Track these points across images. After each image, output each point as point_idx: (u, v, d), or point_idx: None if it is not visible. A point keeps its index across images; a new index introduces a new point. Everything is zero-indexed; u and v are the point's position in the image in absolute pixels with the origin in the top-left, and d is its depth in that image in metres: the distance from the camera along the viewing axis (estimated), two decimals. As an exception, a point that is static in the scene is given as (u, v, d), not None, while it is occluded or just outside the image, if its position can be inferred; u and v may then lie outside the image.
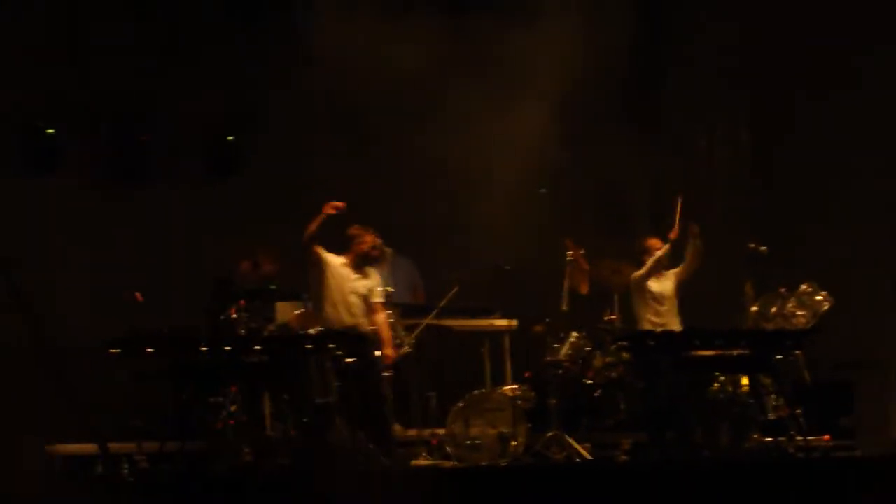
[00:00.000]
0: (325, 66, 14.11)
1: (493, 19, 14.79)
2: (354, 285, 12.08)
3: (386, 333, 12.09)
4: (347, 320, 11.96)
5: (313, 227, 11.77)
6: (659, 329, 12.65)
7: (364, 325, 12.01)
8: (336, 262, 12.09)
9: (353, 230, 12.23)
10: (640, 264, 13.04)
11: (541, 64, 14.96)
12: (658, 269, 12.94)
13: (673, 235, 12.92)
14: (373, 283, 12.20)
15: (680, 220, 12.91)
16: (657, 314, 12.87)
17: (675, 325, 12.86)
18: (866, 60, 14.41)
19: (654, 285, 12.92)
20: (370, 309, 12.11)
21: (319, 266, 11.99)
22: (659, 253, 12.91)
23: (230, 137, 15.64)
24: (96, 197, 15.00)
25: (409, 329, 12.74)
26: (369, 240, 12.21)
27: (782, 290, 12.56)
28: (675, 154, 16.40)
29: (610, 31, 15.96)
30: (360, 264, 12.17)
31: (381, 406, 11.77)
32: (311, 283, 12.18)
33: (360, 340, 11.69)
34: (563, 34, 15.07)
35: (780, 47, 15.26)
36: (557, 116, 15.05)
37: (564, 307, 12.97)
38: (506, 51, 14.94)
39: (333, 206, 11.70)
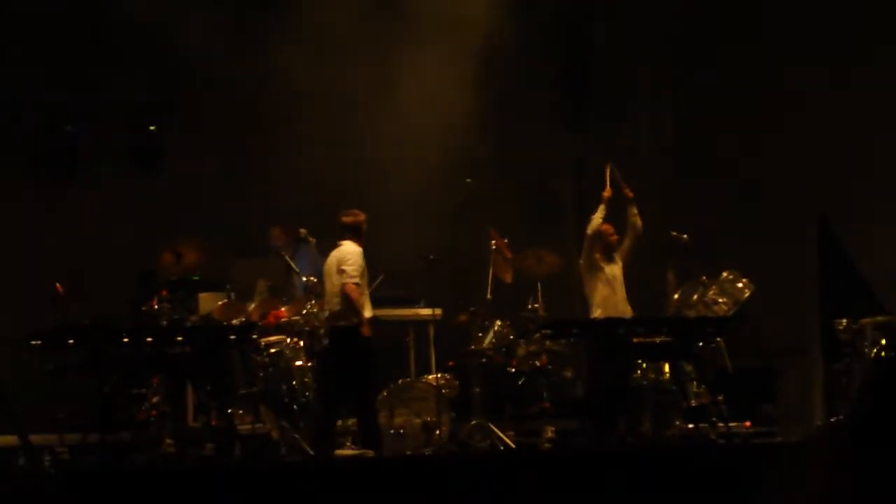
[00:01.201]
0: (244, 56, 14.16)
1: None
2: None
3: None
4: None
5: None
6: (611, 314, 12.66)
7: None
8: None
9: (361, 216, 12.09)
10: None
11: (465, 56, 15.01)
12: (597, 243, 12.86)
13: (606, 194, 12.91)
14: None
15: (612, 184, 12.97)
16: (610, 298, 12.87)
17: (627, 309, 12.89)
18: (786, 52, 14.53)
19: (607, 268, 12.91)
20: None
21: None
22: (595, 215, 12.87)
23: (152, 128, 15.54)
24: (18, 189, 14.88)
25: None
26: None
27: (704, 277, 12.65)
28: (598, 143, 16.46)
29: (533, 21, 16.05)
30: None
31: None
32: None
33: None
34: (487, 25, 15.13)
35: (704, 38, 15.37)
36: (482, 106, 15.11)
37: (488, 296, 13.01)
38: (429, 48, 14.98)
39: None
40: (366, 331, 11.60)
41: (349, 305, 11.56)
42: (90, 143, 15.40)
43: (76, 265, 13.92)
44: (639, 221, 12.98)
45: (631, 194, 13.01)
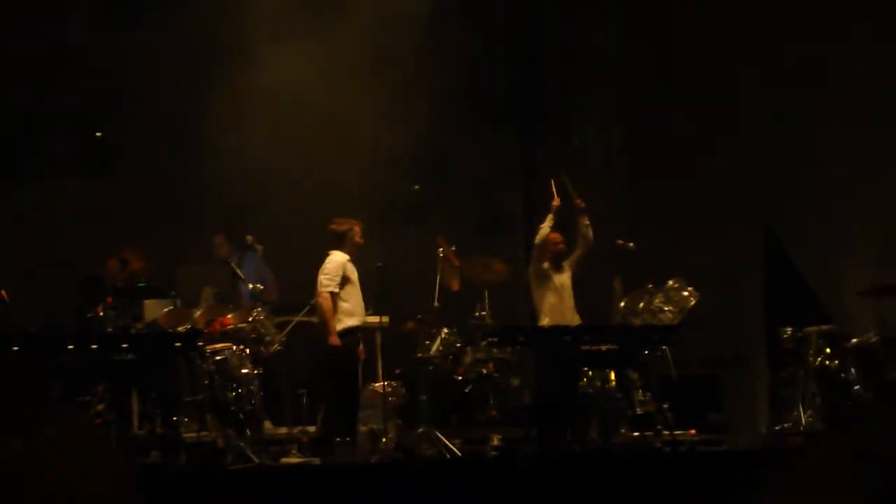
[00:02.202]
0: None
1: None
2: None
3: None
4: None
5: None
6: (558, 322, 12.70)
7: None
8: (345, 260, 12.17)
9: (347, 224, 12.29)
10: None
11: (414, 64, 15.03)
12: (547, 249, 12.93)
13: (555, 203, 12.99)
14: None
15: (563, 195, 13.02)
16: (557, 306, 12.92)
17: (575, 317, 12.93)
18: (736, 59, 14.60)
19: (555, 277, 12.97)
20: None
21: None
22: (543, 224, 12.93)
23: (99, 134, 15.44)
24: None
25: (280, 326, 12.68)
26: (361, 230, 12.30)
27: (650, 285, 12.69)
28: (547, 151, 16.53)
29: (482, 27, 16.08)
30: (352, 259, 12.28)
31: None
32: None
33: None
34: (437, 32, 15.15)
35: (653, 47, 15.42)
36: (432, 115, 15.13)
37: (436, 304, 13.01)
38: (381, 51, 15.00)
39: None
40: (332, 340, 11.88)
41: (319, 315, 11.85)
42: (35, 147, 15.28)
43: (20, 271, 13.82)
44: (590, 232, 13.07)
45: (582, 205, 13.09)
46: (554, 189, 13.08)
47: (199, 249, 14.52)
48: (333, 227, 12.28)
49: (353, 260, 12.26)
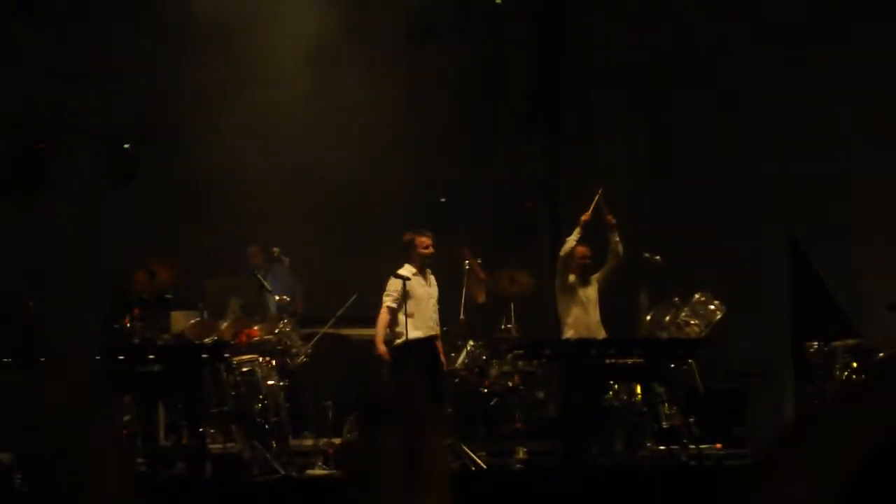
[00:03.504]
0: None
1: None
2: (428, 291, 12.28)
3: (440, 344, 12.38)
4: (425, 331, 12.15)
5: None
6: (583, 335, 12.70)
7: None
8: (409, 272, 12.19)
9: (409, 235, 12.33)
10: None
11: (441, 74, 15.04)
12: (571, 263, 12.90)
13: (584, 217, 12.91)
14: (437, 293, 12.36)
15: (594, 209, 12.98)
16: (582, 319, 12.90)
17: (600, 330, 12.92)
18: (759, 69, 14.58)
19: (581, 290, 12.94)
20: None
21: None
22: (570, 238, 12.90)
23: (126, 146, 15.51)
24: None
25: (307, 338, 12.71)
26: (427, 241, 12.28)
27: (676, 299, 12.66)
28: (573, 164, 16.50)
29: (510, 41, 16.10)
30: (424, 270, 12.27)
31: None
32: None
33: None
34: (463, 43, 15.18)
35: (681, 57, 15.39)
36: (458, 127, 15.15)
37: (461, 316, 13.01)
38: (405, 58, 15.04)
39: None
40: (377, 351, 12.03)
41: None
42: (62, 160, 15.35)
43: (47, 283, 13.88)
44: (620, 248, 13.01)
45: (613, 221, 13.02)
46: (594, 202, 12.99)
47: (226, 261, 14.57)
48: (404, 238, 12.36)
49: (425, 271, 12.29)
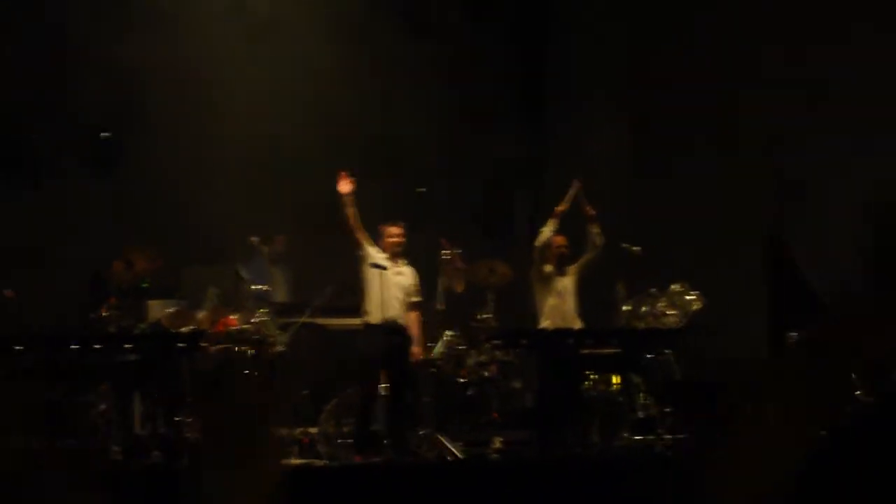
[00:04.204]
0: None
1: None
2: (397, 279, 12.17)
3: (416, 332, 12.26)
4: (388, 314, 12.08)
5: (348, 210, 11.80)
6: (558, 325, 12.73)
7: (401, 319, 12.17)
8: (377, 255, 12.14)
9: (381, 227, 12.32)
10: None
11: (423, 64, 15.06)
12: (547, 253, 12.94)
13: (560, 208, 12.98)
14: (410, 281, 12.28)
15: (572, 200, 13.01)
16: (558, 309, 12.92)
17: (576, 321, 12.95)
18: (751, 62, 14.58)
19: (558, 280, 12.97)
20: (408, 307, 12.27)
21: (362, 256, 12.12)
22: (545, 228, 12.94)
23: (107, 134, 15.46)
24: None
25: (283, 327, 12.69)
26: (395, 231, 12.27)
27: (653, 289, 12.69)
28: (554, 152, 16.52)
29: (494, 32, 16.11)
30: (395, 259, 12.26)
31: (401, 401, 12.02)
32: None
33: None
34: (447, 33, 15.18)
35: (663, 49, 15.40)
36: (435, 115, 15.15)
37: (439, 306, 13.01)
38: (387, 49, 15.04)
39: (344, 180, 11.74)
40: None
41: None
42: (43, 146, 15.32)
43: (28, 270, 13.85)
44: (599, 240, 13.06)
45: (593, 212, 13.07)
46: (571, 195, 13.04)
47: (203, 249, 14.55)
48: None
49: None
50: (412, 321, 12.27)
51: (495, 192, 16.89)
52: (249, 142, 14.79)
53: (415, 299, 12.32)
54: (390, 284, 12.08)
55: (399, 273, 12.20)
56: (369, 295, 12.09)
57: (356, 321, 12.70)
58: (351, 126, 15.02)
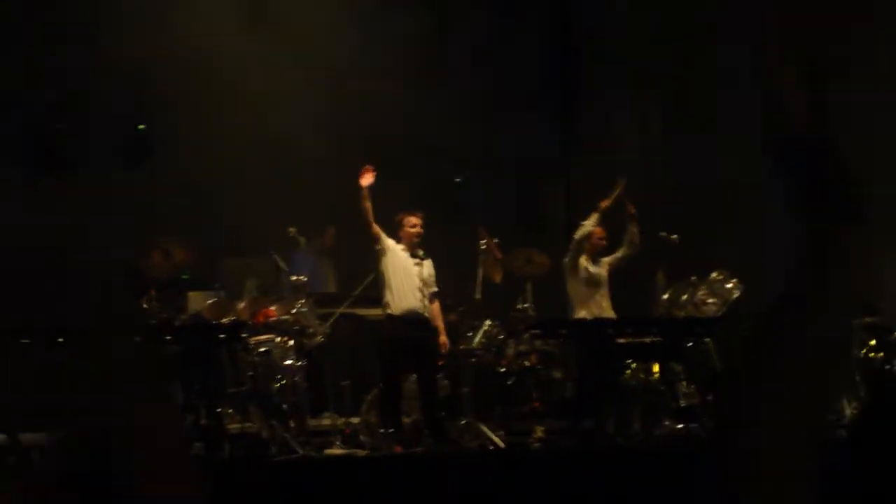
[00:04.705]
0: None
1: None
2: (416, 269, 12.16)
3: (441, 323, 12.26)
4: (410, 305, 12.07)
5: (366, 204, 11.78)
6: (594, 315, 12.73)
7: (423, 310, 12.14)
8: (396, 246, 12.13)
9: (399, 215, 12.30)
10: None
11: (455, 53, 15.04)
12: (586, 244, 12.95)
13: (604, 204, 12.99)
14: (428, 271, 12.28)
15: (616, 198, 13.02)
16: (592, 299, 12.92)
17: (610, 311, 12.94)
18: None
19: (592, 270, 12.97)
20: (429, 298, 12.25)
21: (382, 249, 12.10)
22: (587, 222, 12.94)
23: (141, 126, 15.49)
24: (6, 186, 14.81)
25: (323, 318, 12.71)
26: (414, 220, 12.25)
27: (693, 277, 12.64)
28: (588, 145, 16.49)
29: (525, 25, 16.08)
30: (414, 250, 12.24)
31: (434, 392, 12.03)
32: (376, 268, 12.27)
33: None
34: (479, 23, 15.16)
35: (692, 44, 15.34)
36: (475, 108, 15.14)
37: (478, 296, 13.00)
38: (422, 41, 15.03)
39: (367, 174, 11.74)
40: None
41: None
42: (77, 140, 15.35)
43: (63, 263, 13.87)
44: (637, 240, 13.07)
45: (634, 211, 13.07)
46: (616, 194, 13.05)
47: (242, 241, 14.57)
48: (396, 218, 12.36)
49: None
50: (434, 312, 12.25)
51: (527, 182, 16.86)
52: (284, 134, 14.78)
53: (434, 289, 12.30)
54: (411, 275, 12.08)
55: (418, 264, 12.18)
56: (389, 287, 12.09)
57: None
58: (385, 118, 15.02)
